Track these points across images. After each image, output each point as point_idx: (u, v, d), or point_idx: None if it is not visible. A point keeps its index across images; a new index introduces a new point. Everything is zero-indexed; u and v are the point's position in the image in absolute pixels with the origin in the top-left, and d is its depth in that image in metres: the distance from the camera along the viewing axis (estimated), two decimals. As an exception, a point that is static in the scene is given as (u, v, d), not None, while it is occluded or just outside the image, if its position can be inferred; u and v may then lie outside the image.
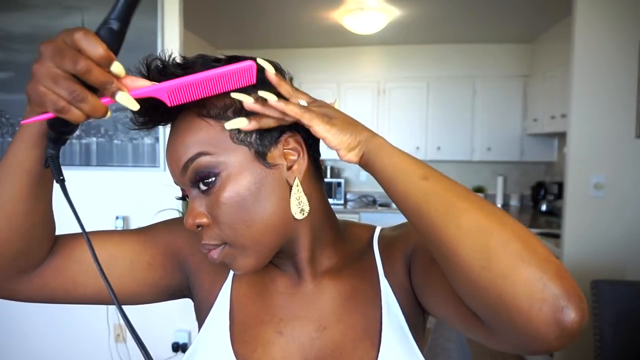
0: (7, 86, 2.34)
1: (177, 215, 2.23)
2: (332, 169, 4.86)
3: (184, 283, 0.68)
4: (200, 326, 0.66)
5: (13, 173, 0.50)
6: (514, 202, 4.57)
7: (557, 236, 2.87)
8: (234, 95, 0.51)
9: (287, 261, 0.63)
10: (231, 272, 0.66)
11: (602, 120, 2.32)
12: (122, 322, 2.35)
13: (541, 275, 0.39)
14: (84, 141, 2.34)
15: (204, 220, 0.54)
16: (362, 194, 4.86)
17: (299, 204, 0.56)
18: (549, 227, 3.48)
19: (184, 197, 0.58)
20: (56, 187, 0.54)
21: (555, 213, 3.94)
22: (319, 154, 0.61)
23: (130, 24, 0.45)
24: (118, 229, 2.32)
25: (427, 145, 4.45)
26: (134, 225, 2.38)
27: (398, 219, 0.65)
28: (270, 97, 0.50)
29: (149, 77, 0.52)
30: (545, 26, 3.76)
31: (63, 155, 0.54)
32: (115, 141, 2.33)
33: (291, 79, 0.59)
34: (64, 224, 0.63)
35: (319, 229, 0.61)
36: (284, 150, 0.56)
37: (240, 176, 0.53)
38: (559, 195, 3.85)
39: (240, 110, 0.53)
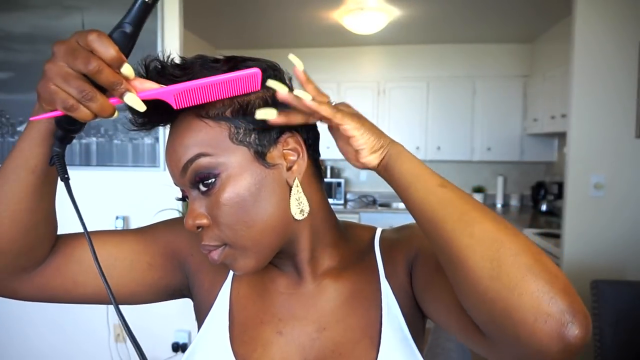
0: (7, 86, 2.34)
1: (177, 215, 2.23)
2: (332, 169, 4.86)
3: (183, 283, 0.68)
4: (199, 326, 0.66)
5: (18, 170, 0.50)
6: (514, 202, 4.57)
7: (557, 236, 2.87)
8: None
9: (287, 261, 0.63)
10: (231, 272, 0.66)
11: (601, 121, 2.32)
12: (120, 321, 2.35)
13: (549, 289, 0.40)
14: (84, 141, 2.34)
15: (204, 221, 0.54)
16: (362, 194, 4.86)
17: (299, 205, 0.56)
18: (549, 227, 3.48)
19: (183, 198, 0.58)
20: (58, 186, 0.55)
21: (555, 213, 3.94)
22: (318, 154, 0.62)
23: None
24: (118, 229, 2.33)
25: (427, 145, 4.45)
26: (134, 225, 2.38)
27: (398, 218, 0.66)
28: (305, 96, 0.50)
29: (147, 77, 0.52)
30: (545, 26, 3.76)
31: (63, 155, 0.55)
32: (115, 141, 2.33)
33: (290, 79, 0.59)
34: (63, 222, 0.64)
35: (319, 230, 0.61)
36: (284, 151, 0.56)
37: (240, 177, 0.53)
38: (559, 195, 3.86)
39: (238, 111, 0.53)
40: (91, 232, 0.58)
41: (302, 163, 0.56)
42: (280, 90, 0.51)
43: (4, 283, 0.57)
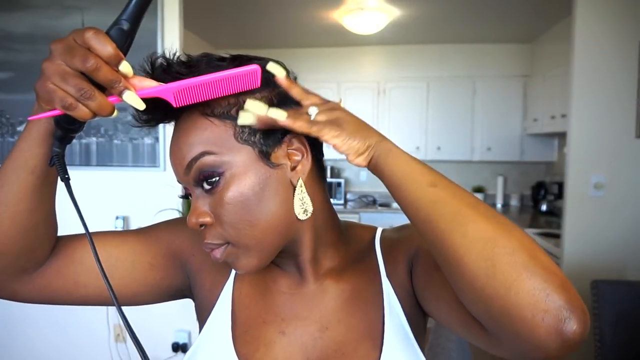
0: (7, 86, 2.34)
1: (177, 215, 2.23)
2: (332, 169, 4.86)
3: (185, 283, 0.68)
4: (201, 326, 0.66)
5: (18, 171, 0.50)
6: (514, 202, 4.57)
7: (557, 236, 2.87)
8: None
9: (290, 261, 0.63)
10: (233, 272, 0.66)
11: (601, 121, 2.32)
12: (122, 322, 2.35)
13: (545, 286, 0.40)
14: (83, 141, 2.34)
15: (207, 219, 0.54)
16: (362, 194, 4.86)
17: (303, 205, 0.56)
18: (549, 227, 3.48)
19: (186, 196, 0.58)
20: (58, 186, 0.54)
21: (555, 213, 3.94)
22: (322, 155, 0.62)
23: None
24: (118, 229, 2.33)
25: (427, 145, 4.45)
26: (134, 225, 2.38)
27: (398, 218, 0.66)
28: (279, 116, 0.50)
29: (153, 75, 0.52)
30: (545, 26, 3.77)
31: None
32: (115, 141, 2.33)
33: (295, 79, 0.59)
34: (64, 223, 0.64)
35: (321, 230, 0.61)
36: (288, 151, 0.56)
37: (244, 176, 0.53)
38: (559, 195, 3.86)
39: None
40: (92, 233, 0.58)
41: (306, 163, 0.56)
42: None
43: (4, 284, 0.57)
